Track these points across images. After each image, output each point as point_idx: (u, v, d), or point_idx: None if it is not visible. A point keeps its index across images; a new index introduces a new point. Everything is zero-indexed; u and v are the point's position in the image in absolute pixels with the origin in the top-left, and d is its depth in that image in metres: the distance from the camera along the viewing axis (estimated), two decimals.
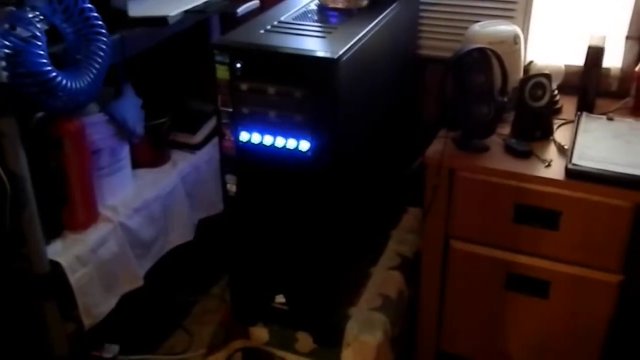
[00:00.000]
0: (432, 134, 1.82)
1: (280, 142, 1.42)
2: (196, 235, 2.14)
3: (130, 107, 1.96)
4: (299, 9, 1.66)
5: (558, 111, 1.94)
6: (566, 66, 1.97)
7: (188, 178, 2.14)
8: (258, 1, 2.03)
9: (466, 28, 1.90)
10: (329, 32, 1.47)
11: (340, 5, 1.63)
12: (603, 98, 1.96)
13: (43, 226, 1.59)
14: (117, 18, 1.86)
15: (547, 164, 1.68)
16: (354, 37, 1.44)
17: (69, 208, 1.76)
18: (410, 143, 2.01)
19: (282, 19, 1.56)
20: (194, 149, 2.21)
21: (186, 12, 1.94)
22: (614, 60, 1.99)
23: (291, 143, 1.41)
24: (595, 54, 1.83)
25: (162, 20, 1.88)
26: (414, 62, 2.05)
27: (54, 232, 1.72)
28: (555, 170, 1.65)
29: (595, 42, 1.84)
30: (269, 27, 1.50)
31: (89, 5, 1.66)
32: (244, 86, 1.40)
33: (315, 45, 1.40)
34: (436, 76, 1.69)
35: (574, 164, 1.62)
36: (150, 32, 1.92)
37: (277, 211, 1.53)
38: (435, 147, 1.76)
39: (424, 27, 2.05)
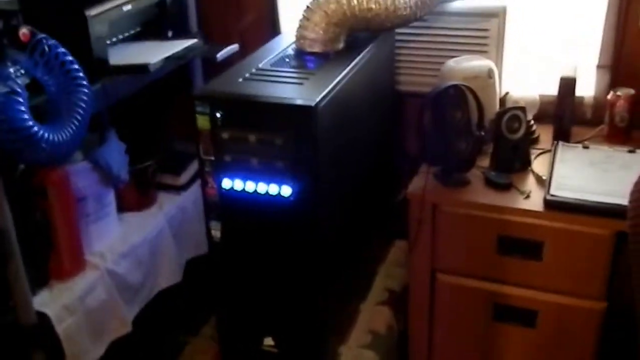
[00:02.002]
0: (415, 167, 1.85)
1: (262, 188, 1.44)
2: (184, 275, 2.14)
3: (115, 153, 1.98)
4: (277, 54, 1.69)
5: (535, 141, 1.98)
6: (541, 96, 2.01)
7: (174, 219, 2.15)
8: (237, 45, 2.06)
9: (442, 63, 1.94)
10: (306, 78, 1.50)
11: (316, 50, 1.66)
12: (578, 126, 2.00)
13: (29, 276, 1.60)
14: (98, 67, 1.89)
15: (526, 195, 1.71)
16: (331, 82, 1.47)
17: (55, 257, 1.77)
18: (393, 176, 2.04)
19: (260, 65, 1.59)
20: (180, 190, 2.23)
21: (167, 58, 1.96)
22: (586, 88, 2.03)
23: (273, 189, 1.44)
24: (567, 85, 1.88)
25: (143, 68, 1.91)
26: (394, 97, 2.09)
27: (40, 281, 1.72)
28: (534, 201, 1.69)
29: (567, 73, 1.89)
30: (247, 75, 1.53)
31: (70, 58, 1.68)
32: (225, 135, 1.42)
33: (293, 92, 1.43)
34: (416, 111, 1.73)
35: (552, 195, 1.65)
36: (131, 80, 1.95)
37: (263, 255, 1.55)
38: (417, 183, 1.79)
39: (401, 64, 2.09)
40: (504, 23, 1.94)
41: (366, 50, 1.72)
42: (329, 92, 1.44)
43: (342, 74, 1.54)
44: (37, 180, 1.72)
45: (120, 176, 1.96)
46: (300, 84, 1.47)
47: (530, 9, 2.03)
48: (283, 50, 1.72)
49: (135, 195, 2.13)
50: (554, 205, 1.63)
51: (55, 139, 1.60)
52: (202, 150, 1.45)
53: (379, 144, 1.98)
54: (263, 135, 1.40)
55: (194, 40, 2.10)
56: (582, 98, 2.03)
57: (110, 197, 2.01)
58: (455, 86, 1.73)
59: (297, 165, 1.41)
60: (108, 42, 1.97)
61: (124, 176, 1.98)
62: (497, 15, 1.93)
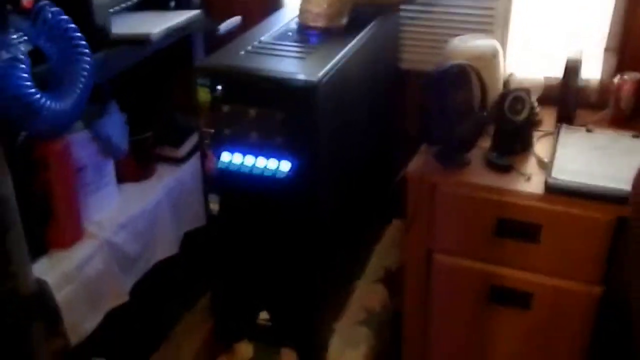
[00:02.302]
0: (416, 147, 1.84)
1: (261, 163, 1.43)
2: (182, 247, 2.14)
3: (115, 124, 1.96)
4: (280, 28, 1.67)
5: (538, 123, 1.97)
6: (545, 78, 1.99)
7: (173, 191, 2.14)
8: (240, 18, 2.04)
9: (447, 41, 1.92)
10: (309, 53, 1.49)
11: (319, 25, 1.64)
12: (582, 109, 1.98)
13: (29, 245, 1.60)
14: (100, 37, 1.86)
15: (527, 177, 1.70)
16: (334, 58, 1.45)
17: (54, 226, 1.76)
18: (393, 155, 2.03)
19: (262, 39, 1.57)
20: (179, 162, 2.21)
21: (168, 29, 1.94)
22: (592, 71, 2.01)
23: (272, 164, 1.43)
24: (573, 67, 1.85)
25: (144, 39, 1.89)
26: (397, 76, 2.07)
27: (39, 250, 1.72)
28: (535, 184, 1.68)
29: (573, 55, 1.87)
30: (249, 47, 1.51)
31: (73, 26, 1.66)
32: (225, 108, 1.41)
33: (295, 67, 1.41)
34: (418, 89, 1.71)
35: (553, 178, 1.64)
36: (133, 50, 1.93)
37: (260, 230, 1.55)
38: (417, 163, 1.78)
39: (405, 41, 2.07)
40: (510, 2, 1.91)
41: (369, 27, 1.70)
42: (331, 68, 1.42)
43: (345, 51, 1.52)
44: (38, 150, 1.70)
45: (120, 147, 1.95)
46: (303, 58, 1.46)
47: None
48: (286, 24, 1.70)
49: (134, 166, 2.12)
50: (555, 189, 1.63)
51: (57, 107, 1.59)
52: (202, 123, 1.43)
53: (380, 122, 1.97)
54: (263, 110, 1.39)
55: (197, 12, 2.07)
56: (587, 81, 2.01)
57: (110, 168, 2.00)
58: (458, 65, 1.71)
59: (296, 142, 1.40)
60: (110, 10, 1.94)
61: (123, 147, 1.97)
62: None
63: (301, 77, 1.34)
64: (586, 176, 1.63)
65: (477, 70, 1.73)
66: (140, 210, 2.02)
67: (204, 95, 1.40)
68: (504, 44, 1.96)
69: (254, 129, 1.41)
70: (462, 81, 1.72)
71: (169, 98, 2.40)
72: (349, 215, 1.81)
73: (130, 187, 2.08)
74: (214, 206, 1.54)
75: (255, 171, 1.45)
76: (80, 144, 1.86)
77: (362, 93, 1.68)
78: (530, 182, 1.69)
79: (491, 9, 1.93)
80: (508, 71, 2.02)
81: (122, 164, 2.04)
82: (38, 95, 1.51)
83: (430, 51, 2.04)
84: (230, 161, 1.46)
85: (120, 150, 1.96)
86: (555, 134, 1.84)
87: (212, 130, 1.44)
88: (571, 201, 1.61)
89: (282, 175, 1.43)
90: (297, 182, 1.43)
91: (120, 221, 1.94)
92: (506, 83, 1.98)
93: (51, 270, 1.68)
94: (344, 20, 1.69)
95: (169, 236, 2.12)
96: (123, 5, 2.02)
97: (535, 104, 1.98)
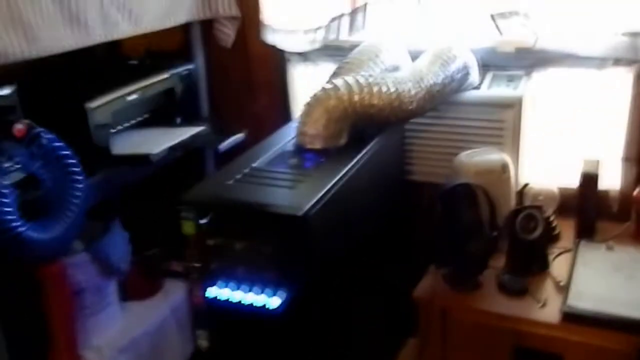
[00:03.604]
0: (429, 258, 1.74)
1: (250, 297, 1.35)
2: None
3: (116, 244, 1.93)
4: (277, 149, 1.62)
5: (556, 238, 1.86)
6: (563, 189, 1.89)
7: (179, 309, 2.08)
8: (242, 135, 2.01)
9: (456, 154, 1.85)
10: (301, 181, 1.42)
11: (317, 146, 1.59)
12: (604, 221, 1.88)
13: None
14: (100, 157, 1.85)
15: (541, 304, 1.58)
16: (327, 185, 1.39)
17: (50, 352, 1.70)
18: (408, 267, 1.91)
19: (255, 165, 1.52)
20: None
21: (171, 147, 1.92)
22: (613, 180, 1.90)
23: (261, 299, 1.34)
24: (589, 181, 1.76)
25: (145, 158, 1.87)
26: (404, 188, 1.99)
27: None
28: (550, 311, 1.56)
29: (589, 168, 1.77)
30: (239, 176, 1.46)
31: (67, 152, 1.65)
32: (210, 242, 1.35)
33: (284, 197, 1.35)
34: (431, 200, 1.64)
35: (569, 306, 1.52)
36: (134, 169, 1.91)
37: None
38: (425, 285, 1.68)
39: (413, 154, 2.00)
40: (520, 114, 1.84)
41: (371, 144, 1.64)
42: (323, 196, 1.35)
43: (341, 174, 1.46)
44: (32, 274, 1.66)
45: (120, 268, 1.91)
46: (293, 188, 1.39)
47: (553, 100, 1.93)
48: (284, 144, 1.65)
49: (141, 284, 2.08)
50: (571, 318, 1.50)
51: (44, 237, 1.56)
52: (188, 256, 1.37)
53: (389, 238, 1.87)
54: (250, 243, 1.32)
55: (201, 128, 2.05)
56: (607, 192, 1.90)
57: (111, 288, 1.95)
58: (463, 185, 1.63)
59: (286, 276, 1.32)
60: (112, 130, 1.94)
61: (123, 268, 1.92)
62: (513, 106, 1.84)
63: (287, 210, 1.27)
64: (605, 303, 1.51)
65: (484, 189, 1.64)
66: (143, 331, 1.95)
67: (188, 228, 1.34)
68: (515, 155, 1.87)
69: (241, 262, 1.34)
70: (468, 201, 1.64)
71: (176, 210, 2.36)
72: (355, 336, 1.70)
73: (135, 306, 2.04)
74: (202, 342, 1.45)
75: (244, 306, 1.36)
76: (78, 267, 1.82)
77: (365, 211, 1.61)
78: (545, 309, 1.57)
79: (501, 121, 1.86)
80: (523, 182, 1.93)
81: (128, 281, 1.99)
82: (22, 228, 1.48)
83: (441, 164, 1.96)
84: (218, 296, 1.38)
85: (120, 271, 1.92)
86: (574, 251, 1.72)
87: (199, 265, 1.37)
88: (590, 331, 1.48)
89: (273, 311, 1.34)
90: (288, 319, 1.34)
91: (121, 345, 1.88)
92: (521, 195, 1.88)
93: None
94: (343, 140, 1.64)
95: (175, 356, 2.04)
96: (127, 124, 2.01)
97: (552, 217, 1.87)
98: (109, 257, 1.86)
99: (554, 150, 1.97)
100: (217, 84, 2.30)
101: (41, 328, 1.69)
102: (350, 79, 1.61)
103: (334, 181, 1.43)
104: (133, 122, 2.04)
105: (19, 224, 1.47)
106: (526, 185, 1.93)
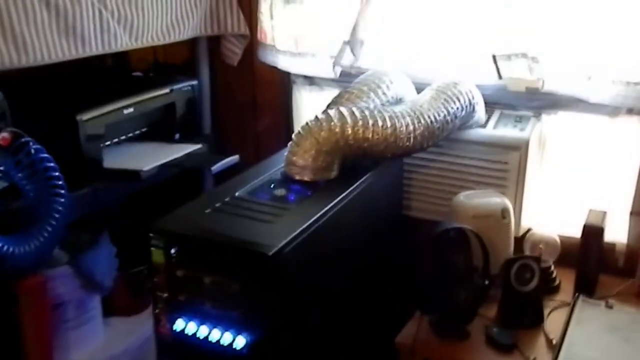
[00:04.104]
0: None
1: (215, 335, 1.29)
2: None
3: (102, 258, 1.89)
4: (264, 177, 1.56)
5: (555, 290, 1.77)
6: (566, 238, 1.80)
7: None
8: (237, 157, 1.96)
9: (457, 193, 1.77)
10: (281, 216, 1.36)
11: (305, 178, 1.52)
12: (608, 275, 1.78)
13: None
14: (90, 170, 1.82)
15: None
16: (308, 221, 1.32)
17: None
18: (393, 310, 1.83)
19: (237, 194, 1.46)
20: None
21: (162, 165, 1.88)
22: (621, 233, 1.81)
23: (227, 337, 1.28)
24: (592, 233, 1.66)
25: (135, 175, 1.83)
26: (401, 224, 1.91)
27: None
28: None
29: (593, 219, 1.68)
30: (218, 204, 1.40)
31: (52, 165, 1.62)
32: (179, 272, 1.29)
33: (257, 233, 1.28)
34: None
35: None
36: (124, 184, 1.87)
37: None
38: (410, 330, 1.60)
39: (412, 189, 1.92)
40: (526, 156, 1.75)
41: (363, 178, 1.57)
42: (299, 234, 1.29)
43: (324, 210, 1.39)
44: (9, 286, 1.62)
45: (103, 284, 1.86)
46: (271, 222, 1.33)
47: (562, 145, 1.85)
48: (271, 173, 1.59)
49: (126, 300, 2.03)
50: None
51: (18, 251, 1.53)
52: (156, 286, 1.31)
53: (379, 276, 1.80)
54: (218, 278, 1.26)
55: (198, 146, 2.01)
56: (613, 245, 1.81)
57: (95, 303, 1.91)
58: (456, 229, 1.55)
59: (253, 317, 1.25)
60: (107, 143, 1.90)
61: (107, 283, 1.87)
62: (519, 148, 1.75)
63: (257, 247, 1.21)
64: None
65: (478, 234, 1.56)
66: (123, 349, 1.90)
67: (158, 256, 1.29)
68: (518, 200, 1.78)
69: (208, 297, 1.28)
70: (461, 245, 1.56)
71: None
72: None
73: (119, 322, 1.99)
74: None
75: (209, 343, 1.30)
76: (59, 280, 1.78)
77: (351, 249, 1.53)
78: None
79: (505, 163, 1.77)
80: (524, 228, 1.84)
81: (114, 297, 1.95)
82: None
83: (440, 202, 1.89)
84: (184, 329, 1.31)
85: (104, 287, 1.87)
86: (570, 307, 1.63)
87: (166, 295, 1.31)
88: None
89: (238, 351, 1.27)
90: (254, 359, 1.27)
91: None
92: (521, 241, 1.80)
93: None
94: (334, 173, 1.57)
95: None
96: (123, 137, 1.98)
97: (552, 267, 1.78)
98: (93, 271, 1.82)
99: (559, 197, 1.87)
100: (221, 102, 2.25)
101: (17, 342, 1.64)
102: (345, 110, 1.54)
103: (314, 218, 1.36)
104: (130, 135, 2.01)
105: None
106: (529, 230, 1.84)
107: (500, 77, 1.66)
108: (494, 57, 1.65)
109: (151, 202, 2.14)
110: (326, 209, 1.40)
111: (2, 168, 1.59)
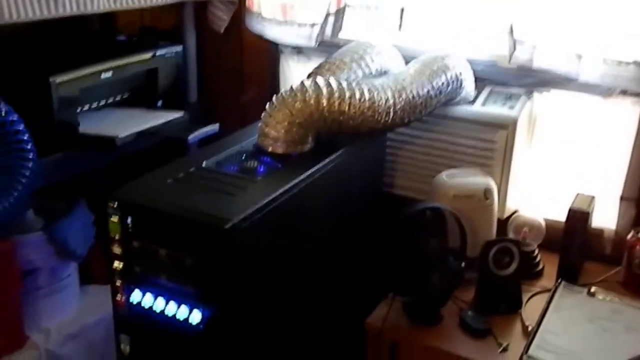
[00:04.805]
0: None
1: (171, 308, 1.25)
2: None
3: (77, 226, 1.85)
4: (234, 149, 1.50)
5: (537, 275, 1.70)
6: (552, 222, 1.74)
7: None
8: (217, 126, 1.90)
9: (440, 170, 1.71)
10: (244, 188, 1.30)
11: (278, 150, 1.46)
12: (594, 262, 1.72)
13: None
14: (64, 135, 1.77)
15: (502, 348, 1.44)
16: (270, 196, 1.27)
17: None
18: (366, 291, 1.78)
19: (204, 164, 1.40)
20: None
21: (139, 132, 1.83)
22: (610, 219, 1.74)
23: (182, 311, 1.24)
24: (577, 217, 1.60)
25: (109, 141, 1.78)
26: (382, 201, 1.84)
27: None
28: (511, 357, 1.42)
29: (580, 204, 1.61)
30: (182, 174, 1.35)
31: (22, 128, 1.58)
32: (135, 243, 1.24)
33: (216, 205, 1.23)
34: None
35: (529, 356, 1.37)
36: (100, 151, 1.83)
37: None
38: (381, 312, 1.55)
39: (395, 165, 1.86)
40: (513, 136, 1.68)
41: (338, 153, 1.50)
42: (261, 208, 1.23)
43: (291, 184, 1.33)
44: None
45: (76, 251, 1.83)
46: (233, 195, 1.28)
47: (552, 125, 1.77)
48: (243, 143, 1.53)
49: (104, 268, 1.99)
50: None
51: None
52: (112, 255, 1.27)
53: (357, 255, 1.74)
54: (173, 252, 1.21)
55: (179, 115, 1.95)
56: (601, 231, 1.74)
57: (70, 270, 1.88)
58: (433, 208, 1.49)
59: (208, 292, 1.20)
60: (85, 108, 1.85)
61: (81, 251, 1.84)
62: (507, 126, 1.68)
63: (213, 220, 1.15)
64: (570, 357, 1.35)
65: (457, 215, 1.50)
66: (96, 319, 1.87)
67: (114, 226, 1.24)
68: (503, 181, 1.71)
69: (164, 270, 1.24)
70: (436, 226, 1.50)
71: None
72: None
73: (96, 290, 1.95)
74: (125, 347, 1.35)
75: (166, 316, 1.25)
76: (30, 246, 1.75)
77: (323, 226, 1.48)
78: (505, 354, 1.42)
79: (492, 141, 1.70)
80: (509, 210, 1.78)
81: (91, 265, 1.91)
82: None
83: (424, 179, 1.82)
84: (140, 302, 1.27)
85: (76, 255, 1.84)
86: (551, 293, 1.57)
87: (122, 265, 1.27)
88: None
89: (194, 326, 1.23)
90: (209, 337, 1.23)
91: (71, 331, 1.81)
92: (505, 224, 1.74)
93: None
94: (308, 146, 1.51)
95: None
96: (102, 102, 1.93)
97: (537, 251, 1.72)
98: (67, 239, 1.78)
99: (548, 179, 1.80)
100: (208, 70, 2.19)
101: None
102: (321, 80, 1.48)
103: (280, 191, 1.30)
104: (110, 101, 1.96)
105: None
106: (514, 213, 1.78)
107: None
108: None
109: (132, 171, 2.10)
110: (294, 183, 1.35)
111: None
